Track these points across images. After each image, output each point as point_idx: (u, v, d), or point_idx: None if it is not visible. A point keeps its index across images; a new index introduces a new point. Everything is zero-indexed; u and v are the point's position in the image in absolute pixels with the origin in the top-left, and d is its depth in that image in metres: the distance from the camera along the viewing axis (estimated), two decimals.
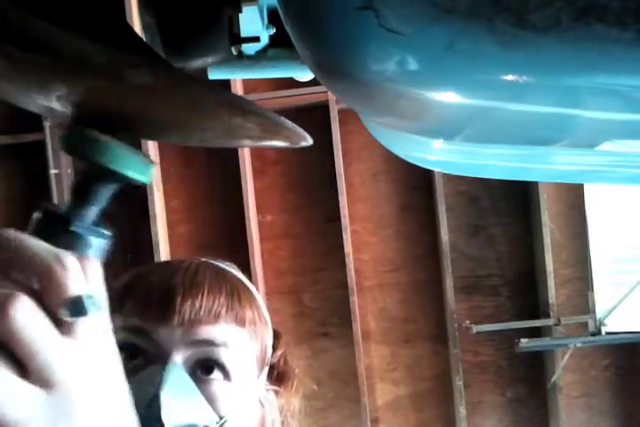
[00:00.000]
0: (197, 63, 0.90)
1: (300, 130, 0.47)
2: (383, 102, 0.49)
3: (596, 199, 2.82)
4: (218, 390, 0.63)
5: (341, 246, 2.72)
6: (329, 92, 2.51)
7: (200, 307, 0.63)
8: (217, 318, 0.64)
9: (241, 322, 0.65)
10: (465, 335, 2.90)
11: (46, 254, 0.36)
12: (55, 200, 2.76)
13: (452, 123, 0.56)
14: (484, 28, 0.40)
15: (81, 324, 0.36)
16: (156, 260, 2.70)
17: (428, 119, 0.55)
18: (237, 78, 2.68)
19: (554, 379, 2.82)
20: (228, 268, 0.72)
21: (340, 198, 2.74)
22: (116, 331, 0.64)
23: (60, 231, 0.38)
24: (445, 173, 2.67)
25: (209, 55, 0.91)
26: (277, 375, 0.72)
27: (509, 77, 0.43)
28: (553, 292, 2.79)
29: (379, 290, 2.92)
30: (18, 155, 2.91)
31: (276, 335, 0.73)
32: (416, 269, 2.94)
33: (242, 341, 0.65)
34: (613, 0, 0.38)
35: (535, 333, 2.87)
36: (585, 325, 2.81)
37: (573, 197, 2.89)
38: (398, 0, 0.41)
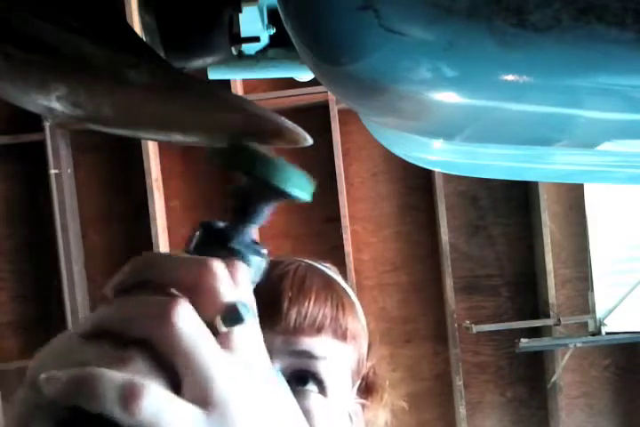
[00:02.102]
0: (197, 63, 0.90)
1: (300, 130, 0.47)
2: (383, 102, 0.49)
3: (596, 199, 2.82)
4: (312, 403, 0.60)
5: (341, 246, 2.72)
6: (329, 92, 2.51)
7: (305, 316, 0.61)
8: (320, 329, 0.61)
9: (343, 337, 0.63)
10: (465, 335, 2.90)
11: (195, 263, 0.34)
12: (55, 200, 2.76)
13: (452, 123, 0.56)
14: (484, 28, 0.40)
15: (237, 334, 0.33)
16: None
17: (428, 119, 0.55)
18: (237, 78, 2.68)
19: (554, 379, 2.82)
20: (333, 274, 0.69)
21: (340, 198, 2.74)
22: None
23: (220, 248, 0.37)
24: (445, 173, 2.67)
25: (209, 55, 0.91)
26: (366, 387, 0.70)
27: (509, 77, 0.43)
28: (553, 292, 2.79)
29: (379, 290, 2.92)
30: (18, 155, 2.91)
31: (368, 346, 0.70)
32: (416, 269, 2.94)
33: (341, 355, 0.63)
34: (613, 0, 0.38)
35: (535, 333, 2.87)
36: (585, 325, 2.81)
37: (573, 197, 2.89)
38: (398, 0, 0.41)
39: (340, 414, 0.64)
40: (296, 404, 0.36)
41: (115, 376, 0.30)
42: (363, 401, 0.69)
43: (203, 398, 0.31)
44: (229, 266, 0.35)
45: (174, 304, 0.32)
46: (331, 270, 0.70)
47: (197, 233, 0.38)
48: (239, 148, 0.38)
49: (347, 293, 0.68)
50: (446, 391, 2.91)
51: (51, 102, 0.45)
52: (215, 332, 0.33)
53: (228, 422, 0.31)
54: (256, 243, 0.39)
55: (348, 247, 2.74)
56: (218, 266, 0.34)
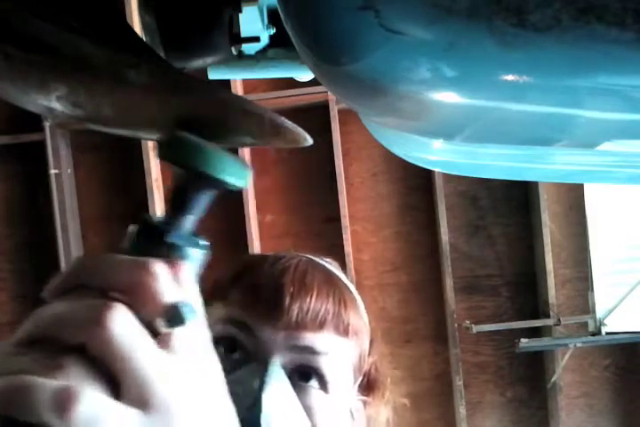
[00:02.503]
0: (197, 63, 0.90)
1: (300, 130, 0.47)
2: (383, 102, 0.49)
3: (596, 199, 2.82)
4: (314, 399, 0.60)
5: (341, 246, 2.72)
6: (329, 92, 2.51)
7: (307, 311, 0.60)
8: (322, 325, 0.61)
9: (345, 332, 0.63)
10: (465, 335, 2.90)
11: (133, 265, 0.34)
12: (55, 200, 2.76)
13: (452, 123, 0.56)
14: (484, 28, 0.40)
15: (179, 334, 0.33)
16: None
17: (428, 119, 0.55)
18: (237, 78, 2.68)
19: (554, 379, 2.82)
20: (334, 269, 0.69)
21: (340, 198, 2.74)
22: (216, 321, 0.62)
23: (157, 243, 0.36)
24: (445, 173, 2.67)
25: (209, 55, 0.91)
26: (367, 383, 0.69)
27: (509, 77, 0.43)
28: (553, 292, 2.79)
29: (379, 290, 2.92)
30: (18, 155, 2.91)
31: (370, 341, 0.70)
32: (416, 269, 2.94)
33: (343, 351, 0.63)
34: (613, 0, 0.38)
35: (535, 333, 2.87)
36: (585, 325, 2.81)
37: (573, 197, 2.89)
38: (398, 0, 0.41)
39: (342, 411, 0.64)
40: (232, 409, 0.36)
41: (47, 383, 0.29)
42: (364, 398, 0.69)
43: (142, 401, 0.30)
44: (171, 265, 0.34)
45: (108, 308, 0.31)
46: (332, 266, 0.70)
47: (132, 229, 0.38)
48: (171, 139, 0.37)
49: (348, 288, 0.67)
50: (446, 391, 2.91)
51: (51, 102, 0.45)
52: (156, 333, 0.32)
53: (168, 424, 0.31)
54: (195, 235, 0.38)
55: (348, 247, 2.74)
56: (157, 266, 0.33)
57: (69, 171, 2.88)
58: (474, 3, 0.39)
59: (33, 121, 2.69)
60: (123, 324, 0.31)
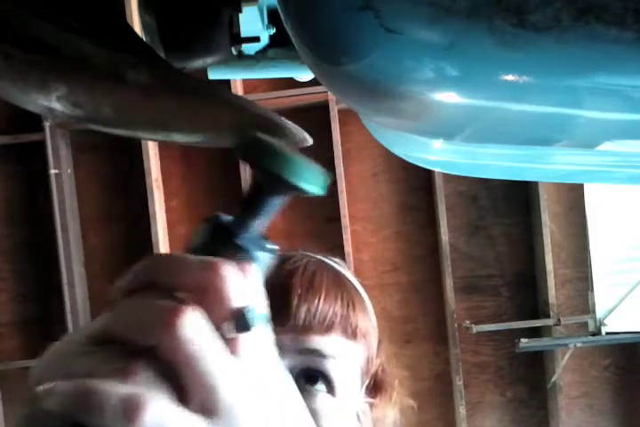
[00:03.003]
0: (197, 63, 0.90)
1: (300, 130, 0.47)
2: (383, 102, 0.49)
3: (596, 199, 2.82)
4: (320, 402, 0.59)
5: (341, 246, 2.72)
6: (329, 92, 2.50)
7: (315, 314, 0.60)
8: (330, 327, 0.60)
9: (353, 335, 0.62)
10: (465, 335, 2.90)
11: (203, 265, 0.33)
12: (55, 200, 2.76)
13: (452, 123, 0.56)
14: (484, 28, 0.39)
15: (246, 340, 0.32)
16: None
17: (428, 119, 0.55)
18: (237, 78, 2.68)
19: (554, 379, 2.82)
20: (343, 270, 0.68)
21: (340, 198, 2.74)
22: None
23: (227, 244, 0.35)
24: (445, 173, 2.67)
25: (209, 55, 0.91)
26: (374, 386, 0.68)
27: (509, 77, 0.43)
28: (553, 292, 2.79)
29: (379, 290, 2.92)
30: (18, 155, 2.91)
31: (377, 343, 0.68)
32: (416, 269, 2.94)
33: (351, 354, 0.62)
34: (613, 0, 0.38)
35: (535, 333, 2.87)
36: (585, 325, 2.81)
37: (573, 197, 2.89)
38: (398, 0, 0.41)
39: (349, 414, 0.63)
40: (306, 409, 0.35)
41: (116, 389, 0.29)
42: (371, 400, 0.68)
43: (208, 408, 0.30)
44: (240, 268, 0.34)
45: (180, 311, 0.31)
46: (341, 266, 0.69)
47: (202, 228, 0.37)
48: (251, 141, 0.36)
49: (357, 290, 0.67)
50: (446, 391, 2.91)
51: (51, 102, 0.45)
52: (223, 338, 0.32)
53: None
54: (264, 238, 0.38)
55: (348, 247, 2.74)
56: (227, 269, 0.33)
57: (69, 171, 2.88)
58: (474, 3, 0.39)
59: (33, 121, 2.69)
60: (194, 328, 0.31)
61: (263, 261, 0.37)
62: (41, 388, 0.30)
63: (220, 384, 0.30)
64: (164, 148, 2.83)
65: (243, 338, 0.32)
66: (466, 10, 0.39)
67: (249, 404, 0.31)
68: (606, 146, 0.61)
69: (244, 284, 0.33)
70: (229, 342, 0.32)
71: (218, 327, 0.32)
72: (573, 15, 0.38)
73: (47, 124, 2.71)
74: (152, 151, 2.76)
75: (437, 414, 2.94)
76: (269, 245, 0.38)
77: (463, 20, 0.39)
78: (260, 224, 0.37)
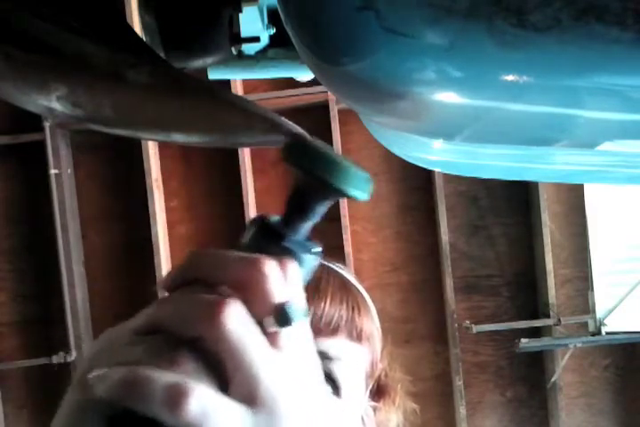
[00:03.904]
0: (197, 63, 0.90)
1: (300, 130, 0.47)
2: (383, 102, 0.49)
3: (596, 199, 2.82)
4: None
5: (341, 246, 2.72)
6: (329, 92, 2.50)
7: (321, 317, 0.60)
8: (335, 330, 0.61)
9: (358, 338, 0.63)
10: (465, 335, 2.89)
11: (246, 261, 0.34)
12: (55, 200, 2.76)
13: (452, 123, 0.56)
14: (484, 29, 0.40)
15: (287, 334, 0.33)
16: (155, 260, 2.70)
17: (428, 119, 0.55)
18: (237, 78, 2.68)
19: (554, 379, 2.82)
20: (347, 275, 0.69)
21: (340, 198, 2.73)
22: None
23: (274, 245, 0.37)
24: (445, 173, 2.67)
25: (209, 55, 0.91)
26: (378, 389, 0.69)
27: (509, 77, 0.43)
28: (553, 292, 2.79)
29: (379, 290, 2.92)
30: (18, 155, 2.91)
31: (381, 347, 0.69)
32: (416, 269, 2.94)
33: (356, 357, 0.63)
34: (613, 0, 0.38)
35: (535, 333, 2.87)
36: (585, 325, 2.81)
37: (573, 197, 2.89)
38: (398, 0, 0.41)
39: (353, 417, 0.63)
40: (340, 406, 0.37)
41: (163, 377, 0.30)
42: (375, 404, 0.69)
43: (250, 398, 0.31)
44: (281, 265, 0.35)
45: (225, 304, 0.32)
46: (344, 271, 0.70)
47: (251, 228, 0.38)
48: (299, 145, 0.37)
49: (361, 293, 0.68)
50: (446, 391, 2.91)
51: (51, 102, 0.45)
52: (264, 331, 0.33)
53: (275, 422, 0.32)
54: (309, 240, 0.39)
55: (348, 247, 2.74)
56: (270, 266, 0.34)
57: (69, 171, 2.88)
58: (474, 3, 0.39)
59: (33, 121, 2.69)
60: (237, 320, 0.32)
61: (308, 262, 0.38)
62: (91, 375, 0.31)
63: (262, 376, 0.32)
64: (164, 148, 2.83)
65: (284, 332, 0.33)
66: (466, 10, 0.39)
67: (289, 396, 0.32)
68: (606, 146, 0.61)
69: (285, 280, 0.35)
70: (271, 336, 0.33)
71: (260, 322, 0.33)
72: (573, 15, 0.38)
73: (47, 124, 2.71)
74: (152, 151, 2.76)
75: (437, 414, 2.94)
76: (314, 248, 0.39)
77: (463, 20, 0.39)
78: (306, 227, 0.39)
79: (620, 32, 0.38)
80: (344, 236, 2.73)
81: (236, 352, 0.31)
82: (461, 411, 2.82)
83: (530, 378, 2.97)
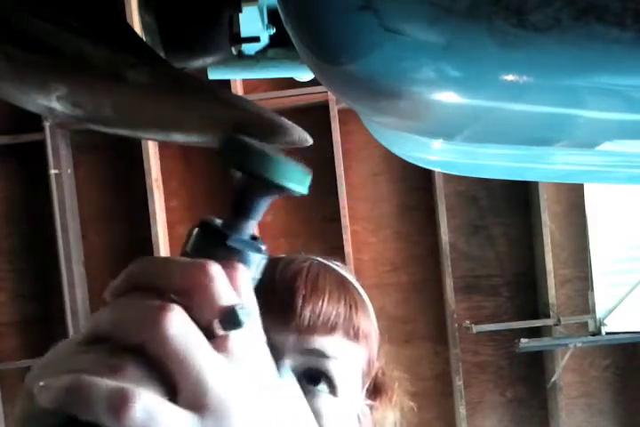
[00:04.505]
0: (197, 63, 0.90)
1: (300, 130, 0.47)
2: (383, 102, 0.49)
3: (596, 199, 2.82)
4: (322, 403, 0.59)
5: (341, 246, 2.72)
6: (329, 92, 2.50)
7: (319, 315, 0.60)
8: (333, 328, 0.61)
9: (355, 336, 0.63)
10: (465, 335, 2.90)
11: (190, 266, 0.34)
12: (55, 200, 2.76)
13: (452, 123, 0.56)
14: (484, 28, 0.40)
15: (235, 337, 0.33)
16: None
17: (428, 119, 0.55)
18: (237, 78, 2.68)
19: (554, 379, 2.82)
20: (345, 273, 0.69)
21: (340, 198, 2.74)
22: None
23: (219, 246, 0.36)
24: (445, 173, 2.67)
25: (209, 55, 0.91)
26: (375, 388, 0.69)
27: (509, 77, 0.43)
28: (553, 292, 2.79)
29: (379, 290, 2.92)
30: (18, 155, 2.91)
31: (378, 346, 0.69)
32: (416, 269, 2.94)
33: (353, 355, 0.63)
34: (613, 0, 0.38)
35: (535, 333, 2.87)
36: (585, 325, 2.81)
37: (573, 197, 2.89)
38: (398, 0, 0.41)
39: (350, 415, 0.64)
40: (301, 407, 0.36)
41: (105, 384, 0.30)
42: (371, 403, 0.69)
43: (198, 404, 0.31)
44: (228, 268, 0.35)
45: (164, 309, 0.31)
46: (343, 269, 0.70)
47: (194, 232, 0.38)
48: (233, 142, 0.37)
49: (359, 292, 0.68)
50: (446, 391, 2.91)
51: (51, 102, 0.45)
52: (213, 336, 0.32)
53: None
54: (255, 239, 0.38)
55: (348, 247, 2.74)
56: (213, 268, 0.33)
57: (69, 171, 2.88)
58: (474, 2, 0.39)
59: (33, 121, 2.69)
60: (179, 325, 0.31)
61: (255, 261, 0.37)
62: (36, 384, 0.31)
63: (209, 381, 0.31)
64: (164, 148, 2.83)
65: (232, 336, 0.33)
66: (466, 10, 0.39)
67: (238, 400, 0.32)
68: (606, 146, 0.61)
69: (232, 282, 0.34)
70: (219, 340, 0.32)
71: (208, 326, 0.32)
72: (573, 15, 0.38)
73: (47, 124, 2.71)
74: (152, 151, 2.76)
75: (437, 414, 2.94)
76: (261, 246, 0.38)
77: (463, 19, 0.39)
78: (250, 225, 0.38)
79: (619, 32, 0.38)
80: (344, 236, 2.73)
81: (181, 357, 0.31)
82: (461, 411, 2.82)
83: (530, 378, 2.97)
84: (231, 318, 0.33)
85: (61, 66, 0.44)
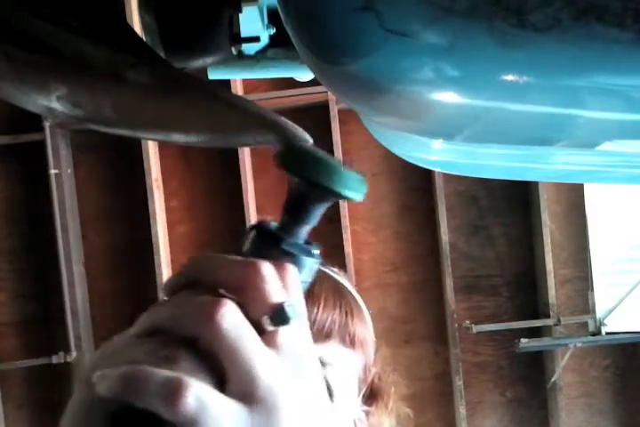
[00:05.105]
0: (197, 63, 0.90)
1: (301, 130, 0.47)
2: (383, 102, 0.49)
3: (596, 199, 2.82)
4: None
5: (341, 247, 2.72)
6: (329, 92, 2.50)
7: (314, 322, 0.61)
8: (328, 335, 0.61)
9: (351, 343, 0.63)
10: (465, 335, 2.89)
11: (243, 265, 0.35)
12: (55, 200, 2.76)
13: (452, 123, 0.56)
14: (484, 28, 0.39)
15: (284, 333, 0.34)
16: (155, 260, 2.70)
17: (428, 119, 0.55)
18: (237, 78, 2.68)
19: (554, 379, 2.82)
20: (341, 279, 0.69)
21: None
22: None
23: (274, 249, 0.38)
24: (445, 173, 2.67)
25: (209, 55, 0.91)
26: (371, 394, 0.69)
27: (509, 77, 0.43)
28: (553, 292, 2.79)
29: (379, 290, 2.92)
30: (18, 155, 2.91)
31: (375, 351, 0.69)
32: (416, 269, 2.94)
33: (348, 362, 0.63)
34: (613, 0, 0.38)
35: (535, 333, 2.87)
36: (585, 325, 2.81)
37: (573, 197, 2.89)
38: (398, 0, 0.40)
39: (346, 421, 0.64)
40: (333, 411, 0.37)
41: (160, 374, 0.31)
42: (368, 408, 0.69)
43: (247, 395, 0.32)
44: (279, 268, 0.36)
45: (218, 304, 0.33)
46: (339, 275, 0.70)
47: (250, 234, 0.39)
48: (291, 149, 0.38)
49: (355, 298, 0.67)
50: (446, 391, 2.91)
51: (51, 102, 0.45)
52: (262, 331, 0.34)
53: (271, 419, 0.32)
54: (308, 243, 0.40)
55: (348, 247, 2.74)
56: (265, 267, 0.35)
57: (69, 171, 2.88)
58: (474, 3, 0.39)
59: (33, 121, 2.69)
60: (232, 320, 0.33)
61: (307, 265, 0.39)
62: (95, 374, 0.32)
63: (259, 374, 0.32)
64: (164, 148, 2.83)
65: (281, 331, 0.34)
66: (466, 10, 0.39)
67: (286, 394, 0.33)
68: (606, 146, 0.61)
69: (282, 282, 0.36)
70: (268, 336, 0.34)
71: (258, 322, 0.34)
72: (573, 15, 0.38)
73: (47, 124, 2.71)
74: (152, 151, 2.76)
75: (437, 414, 2.94)
76: (314, 251, 0.40)
77: (463, 20, 0.39)
78: (304, 230, 0.39)
79: (619, 32, 0.38)
80: (344, 236, 2.73)
81: (232, 351, 0.32)
82: (461, 411, 2.82)
83: (530, 378, 2.97)
84: (280, 315, 0.34)
85: (61, 66, 0.44)
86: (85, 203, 2.92)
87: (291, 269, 0.37)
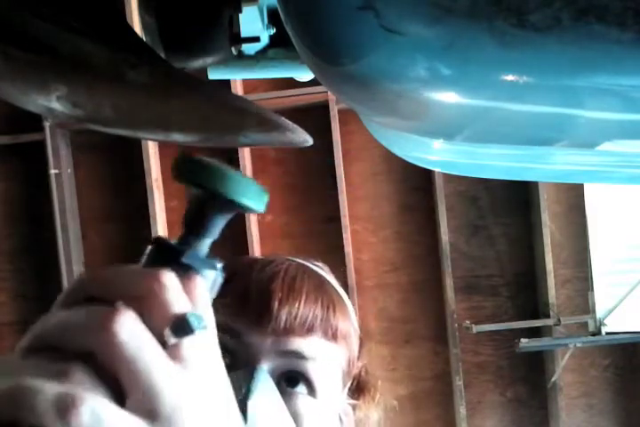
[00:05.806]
0: (197, 63, 0.90)
1: (301, 130, 0.47)
2: (383, 102, 0.49)
3: (596, 199, 2.82)
4: (302, 405, 0.59)
5: (341, 246, 2.72)
6: (329, 92, 2.50)
7: (296, 316, 0.60)
8: (310, 330, 0.61)
9: (333, 337, 0.63)
10: (465, 335, 2.90)
11: (141, 274, 0.34)
12: (55, 200, 2.76)
13: (452, 123, 0.56)
14: (484, 28, 0.39)
15: (187, 345, 0.32)
16: None
17: (428, 119, 0.55)
18: (237, 78, 2.68)
19: (554, 379, 2.82)
20: (324, 274, 0.69)
21: (340, 198, 2.74)
22: None
23: (173, 264, 0.36)
24: (445, 173, 2.67)
25: (209, 55, 0.91)
26: (357, 387, 0.69)
27: (509, 77, 0.43)
28: (553, 292, 2.79)
29: (379, 290, 2.92)
30: (18, 155, 2.91)
31: (360, 343, 0.69)
32: (416, 269, 2.94)
33: (331, 356, 0.63)
34: (613, 0, 0.38)
35: (535, 333, 2.87)
36: (585, 325, 2.81)
37: (573, 197, 2.89)
38: (398, 0, 0.41)
39: (330, 416, 0.64)
40: (241, 419, 0.35)
41: (50, 387, 0.29)
42: (354, 402, 0.69)
43: (148, 410, 0.30)
44: (185, 278, 0.34)
45: (114, 313, 0.31)
46: (323, 270, 0.70)
47: (148, 249, 0.37)
48: (188, 160, 0.37)
49: (338, 293, 0.68)
50: (446, 391, 2.91)
51: (51, 102, 0.45)
52: (165, 344, 0.32)
53: None
54: (210, 257, 0.38)
55: (348, 247, 2.74)
56: (166, 276, 0.33)
57: (69, 171, 2.88)
58: (474, 3, 0.39)
59: (33, 121, 2.69)
60: (129, 329, 0.31)
61: (210, 278, 0.37)
62: None
63: (160, 388, 0.30)
64: (163, 148, 2.83)
65: (184, 343, 0.32)
66: (466, 10, 0.39)
67: (190, 408, 0.31)
68: (606, 146, 0.61)
69: (187, 291, 0.34)
70: (173, 348, 0.32)
71: (160, 333, 0.32)
72: (573, 15, 0.38)
73: (47, 124, 2.72)
74: (152, 151, 2.76)
75: (437, 414, 2.94)
76: (217, 264, 0.38)
77: (463, 20, 0.39)
78: (205, 243, 0.38)
79: (620, 32, 0.38)
80: (344, 235, 2.73)
81: (130, 362, 0.30)
82: (461, 411, 2.82)
83: (530, 378, 2.97)
84: (183, 326, 0.32)
85: (61, 66, 0.44)
86: (85, 203, 2.92)
87: (197, 279, 0.35)
